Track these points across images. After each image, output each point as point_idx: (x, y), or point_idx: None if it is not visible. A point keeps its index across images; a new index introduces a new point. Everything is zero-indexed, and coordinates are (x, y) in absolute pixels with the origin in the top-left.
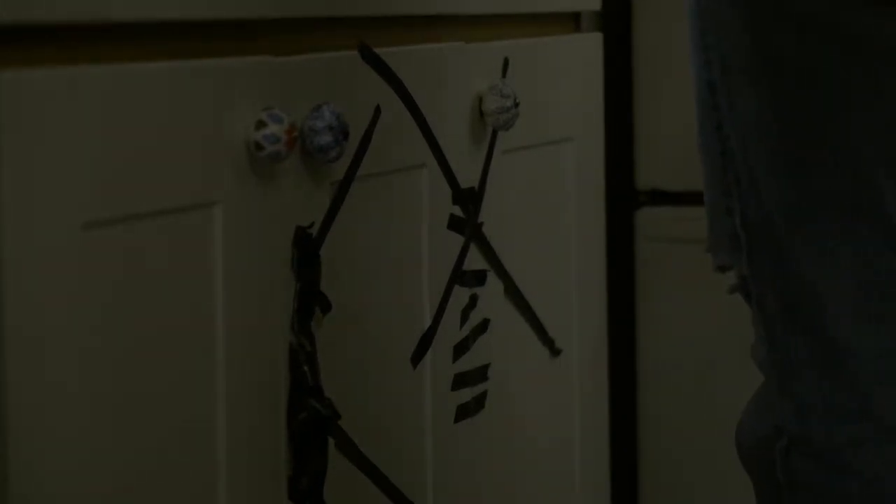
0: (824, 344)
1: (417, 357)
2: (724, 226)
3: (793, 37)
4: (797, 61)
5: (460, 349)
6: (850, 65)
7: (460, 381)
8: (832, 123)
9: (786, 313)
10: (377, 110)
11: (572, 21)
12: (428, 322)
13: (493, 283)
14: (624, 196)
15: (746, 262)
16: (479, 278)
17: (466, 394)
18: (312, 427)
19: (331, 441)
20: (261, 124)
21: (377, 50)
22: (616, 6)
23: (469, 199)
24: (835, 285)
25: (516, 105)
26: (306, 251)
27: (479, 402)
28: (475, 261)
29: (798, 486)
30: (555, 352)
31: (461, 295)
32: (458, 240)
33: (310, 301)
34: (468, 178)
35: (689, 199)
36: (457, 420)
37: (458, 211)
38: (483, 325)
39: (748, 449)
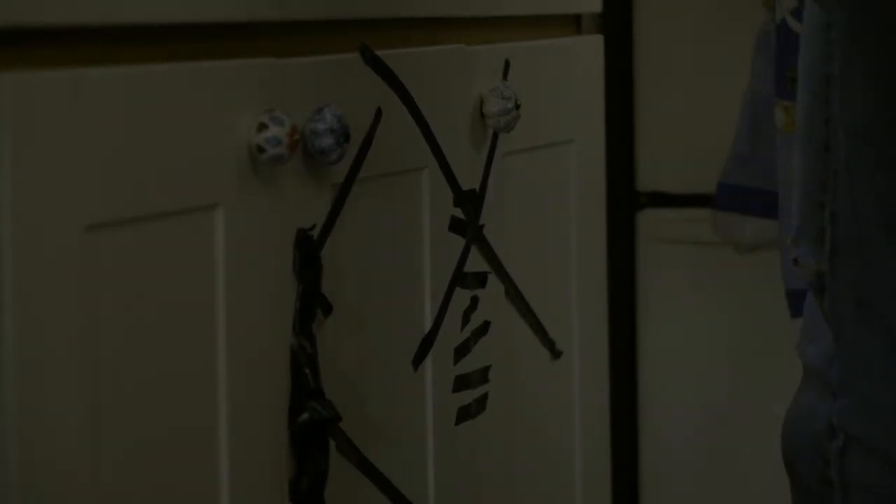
0: None
1: (418, 359)
2: (814, 220)
3: None
4: None
5: (461, 351)
6: None
7: (461, 383)
8: None
9: (861, 311)
10: (378, 112)
11: (573, 23)
12: (429, 324)
13: (495, 285)
14: (625, 198)
15: (828, 258)
16: (480, 280)
17: (467, 396)
18: (313, 429)
19: (332, 443)
20: (262, 127)
21: (378, 52)
22: (617, 8)
23: (470, 201)
24: None
25: (517, 107)
26: (307, 253)
27: (480, 404)
28: (476, 263)
29: (854, 487)
30: (556, 353)
31: (462, 297)
32: (459, 242)
33: (311, 303)
34: (469, 180)
35: (689, 201)
36: (458, 422)
37: (459, 213)
38: (484, 327)
39: (795, 448)
